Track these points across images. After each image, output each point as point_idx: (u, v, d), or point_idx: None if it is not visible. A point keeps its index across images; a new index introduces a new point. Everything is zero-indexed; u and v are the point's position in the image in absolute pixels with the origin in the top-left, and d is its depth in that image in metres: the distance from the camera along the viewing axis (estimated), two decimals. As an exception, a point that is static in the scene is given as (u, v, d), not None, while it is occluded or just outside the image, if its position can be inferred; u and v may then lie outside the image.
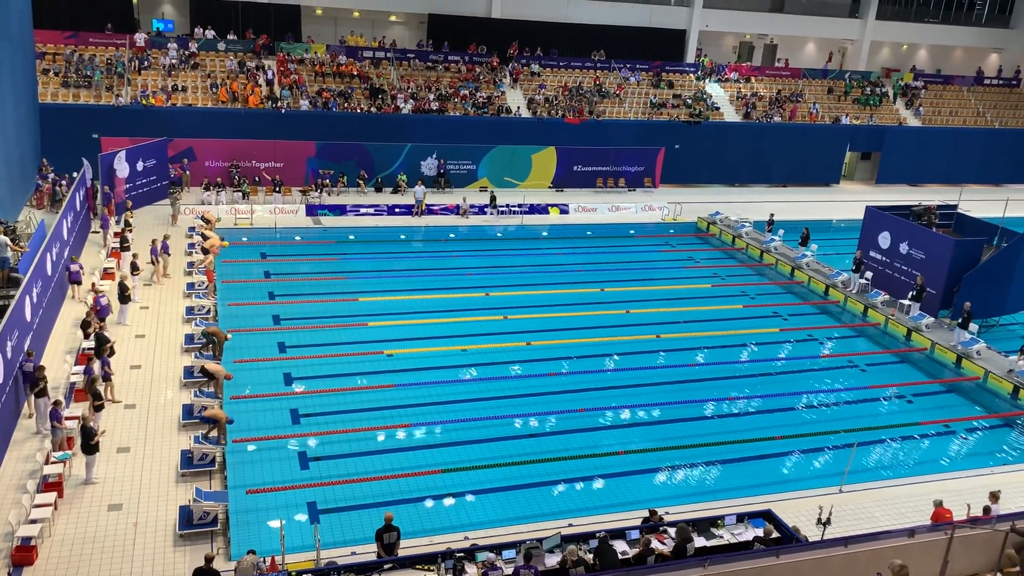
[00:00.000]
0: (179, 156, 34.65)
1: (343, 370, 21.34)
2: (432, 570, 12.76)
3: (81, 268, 24.31)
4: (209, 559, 12.98)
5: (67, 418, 16.65)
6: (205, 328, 21.10)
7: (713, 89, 46.71)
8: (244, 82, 37.70)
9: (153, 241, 25.87)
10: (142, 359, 20.72)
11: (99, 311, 21.42)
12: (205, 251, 26.42)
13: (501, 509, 16.24)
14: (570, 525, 15.31)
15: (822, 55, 54.70)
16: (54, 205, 29.68)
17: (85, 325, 20.52)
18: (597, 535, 13.51)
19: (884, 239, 28.52)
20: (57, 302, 22.57)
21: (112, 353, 19.40)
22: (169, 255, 26.27)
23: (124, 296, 22.44)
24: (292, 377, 20.76)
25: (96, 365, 18.59)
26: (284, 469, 16.99)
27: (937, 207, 30.41)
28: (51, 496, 14.76)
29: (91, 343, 19.96)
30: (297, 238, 31.96)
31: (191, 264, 26.68)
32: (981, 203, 36.59)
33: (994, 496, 15.58)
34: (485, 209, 35.82)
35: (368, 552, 14.03)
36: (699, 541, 13.91)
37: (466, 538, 14.75)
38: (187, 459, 16.45)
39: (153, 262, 25.34)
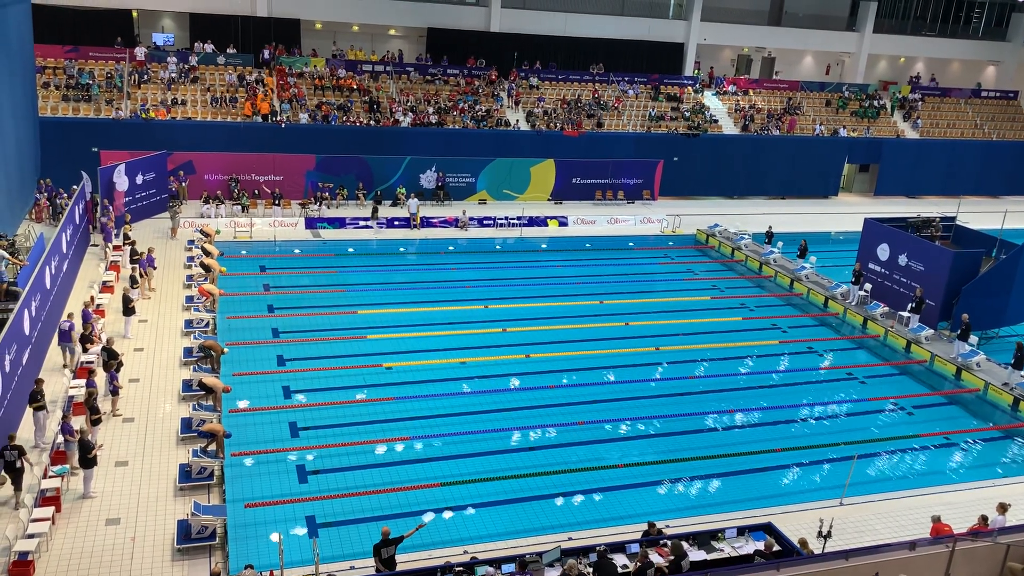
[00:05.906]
0: (178, 169, 34.71)
1: (342, 383, 21.30)
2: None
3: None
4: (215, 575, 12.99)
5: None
6: (202, 342, 21.08)
7: (711, 102, 46.89)
8: (244, 95, 37.80)
9: (140, 254, 25.93)
10: (141, 372, 20.67)
11: (83, 318, 21.41)
12: (206, 267, 26.35)
13: (501, 523, 16.18)
14: (570, 539, 15.24)
15: (820, 68, 54.93)
16: (54, 218, 29.71)
17: (84, 340, 20.51)
18: (597, 549, 13.48)
19: (883, 251, 28.54)
20: (56, 315, 22.52)
21: (120, 367, 19.38)
22: (155, 268, 26.30)
23: (128, 308, 22.42)
24: (291, 390, 20.72)
25: (98, 379, 18.56)
26: (283, 483, 16.93)
27: (940, 219, 30.44)
28: (49, 510, 14.70)
29: (90, 357, 19.96)
30: (296, 251, 31.97)
31: (190, 277, 26.67)
32: (979, 215, 36.66)
33: (1002, 507, 15.44)
34: (370, 222, 34.68)
35: (367, 566, 13.97)
36: (700, 554, 13.87)
37: (465, 552, 14.69)
38: (185, 473, 16.40)
39: (141, 275, 25.33)
